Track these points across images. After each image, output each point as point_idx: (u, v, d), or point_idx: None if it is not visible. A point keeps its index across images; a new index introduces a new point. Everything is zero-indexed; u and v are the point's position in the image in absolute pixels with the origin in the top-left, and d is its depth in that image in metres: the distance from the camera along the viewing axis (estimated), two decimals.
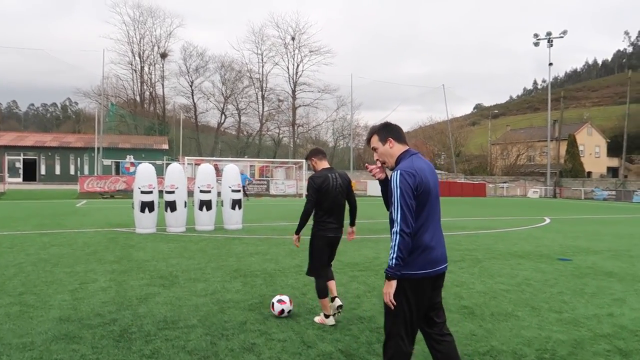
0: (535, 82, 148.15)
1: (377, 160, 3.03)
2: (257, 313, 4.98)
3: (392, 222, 2.69)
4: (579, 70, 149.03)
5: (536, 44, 44.84)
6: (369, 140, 3.04)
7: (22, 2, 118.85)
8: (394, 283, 2.65)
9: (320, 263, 4.79)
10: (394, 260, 2.62)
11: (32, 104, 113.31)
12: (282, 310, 4.83)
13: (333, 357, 3.84)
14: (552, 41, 43.79)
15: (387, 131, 2.96)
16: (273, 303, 4.88)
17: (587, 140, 63.77)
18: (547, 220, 16.75)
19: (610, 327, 4.69)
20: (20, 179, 43.52)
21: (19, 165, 45.07)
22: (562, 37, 44.00)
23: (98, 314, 4.86)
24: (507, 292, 6.02)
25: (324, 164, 4.87)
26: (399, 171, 2.71)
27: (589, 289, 6.23)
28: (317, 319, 4.75)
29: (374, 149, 3.00)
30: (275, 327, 4.56)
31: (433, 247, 2.76)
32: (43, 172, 45.68)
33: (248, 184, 28.88)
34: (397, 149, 2.91)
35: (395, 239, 2.63)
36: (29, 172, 44.98)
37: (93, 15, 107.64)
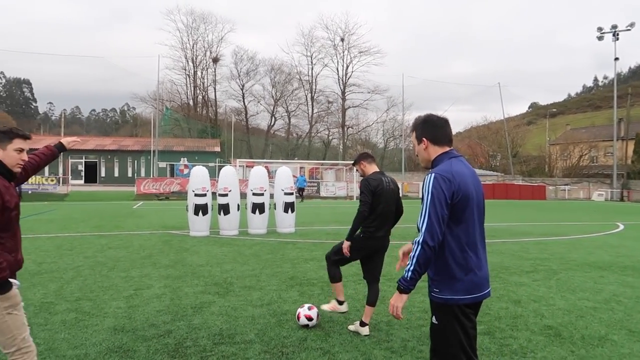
0: (595, 79, 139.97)
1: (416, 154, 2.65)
2: (317, 328, 4.62)
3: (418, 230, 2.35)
4: None
5: (600, 38, 42.43)
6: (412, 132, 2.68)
7: (84, 15, 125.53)
8: (405, 297, 2.38)
9: (343, 263, 4.80)
10: (409, 273, 2.32)
11: (94, 110, 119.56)
12: (306, 325, 4.62)
13: None
14: (617, 34, 41.25)
15: (424, 129, 2.55)
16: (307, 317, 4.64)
17: None
18: (621, 227, 15.48)
19: None
20: (82, 181, 45.62)
21: (81, 167, 47.28)
22: (629, 29, 41.33)
23: (152, 324, 4.66)
24: (595, 310, 5.35)
25: (373, 168, 4.68)
26: (433, 174, 2.35)
27: None
28: (326, 306, 4.85)
29: (413, 145, 2.65)
30: (339, 345, 4.18)
31: (479, 267, 2.38)
32: (103, 174, 47.69)
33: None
34: (432, 151, 2.51)
35: (416, 249, 2.29)
36: (90, 174, 47.09)
37: (149, 24, 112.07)
